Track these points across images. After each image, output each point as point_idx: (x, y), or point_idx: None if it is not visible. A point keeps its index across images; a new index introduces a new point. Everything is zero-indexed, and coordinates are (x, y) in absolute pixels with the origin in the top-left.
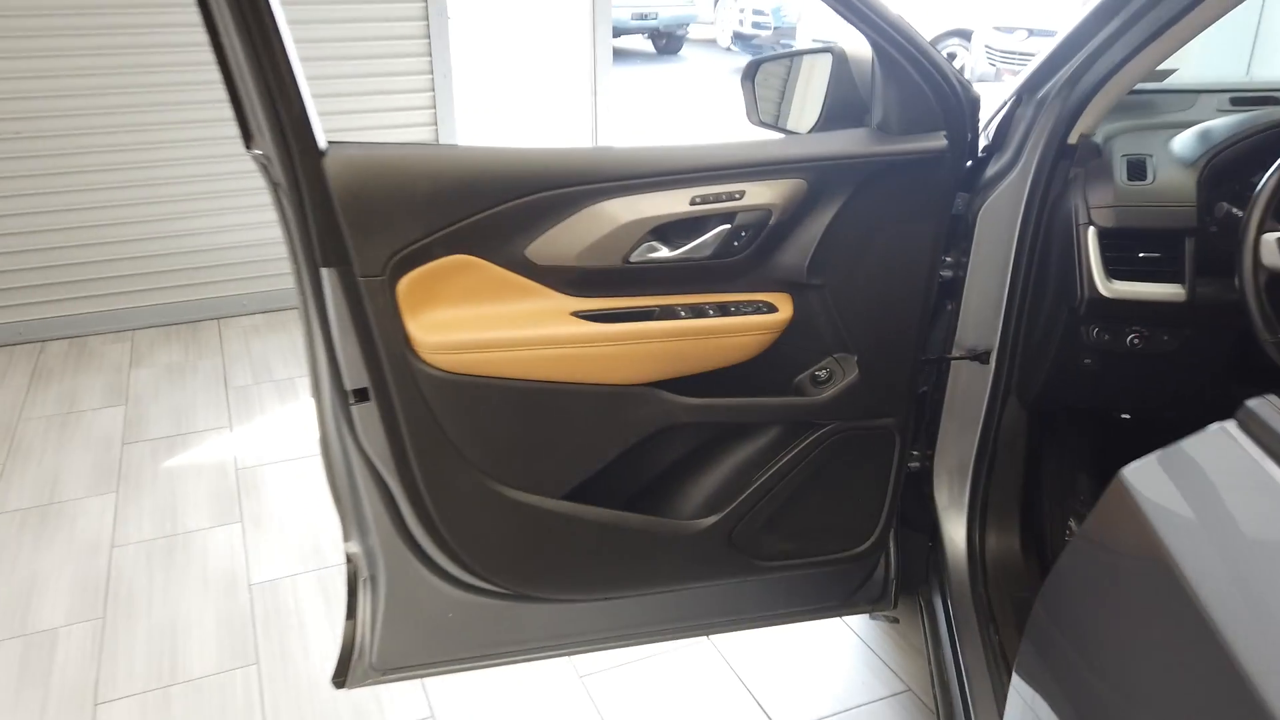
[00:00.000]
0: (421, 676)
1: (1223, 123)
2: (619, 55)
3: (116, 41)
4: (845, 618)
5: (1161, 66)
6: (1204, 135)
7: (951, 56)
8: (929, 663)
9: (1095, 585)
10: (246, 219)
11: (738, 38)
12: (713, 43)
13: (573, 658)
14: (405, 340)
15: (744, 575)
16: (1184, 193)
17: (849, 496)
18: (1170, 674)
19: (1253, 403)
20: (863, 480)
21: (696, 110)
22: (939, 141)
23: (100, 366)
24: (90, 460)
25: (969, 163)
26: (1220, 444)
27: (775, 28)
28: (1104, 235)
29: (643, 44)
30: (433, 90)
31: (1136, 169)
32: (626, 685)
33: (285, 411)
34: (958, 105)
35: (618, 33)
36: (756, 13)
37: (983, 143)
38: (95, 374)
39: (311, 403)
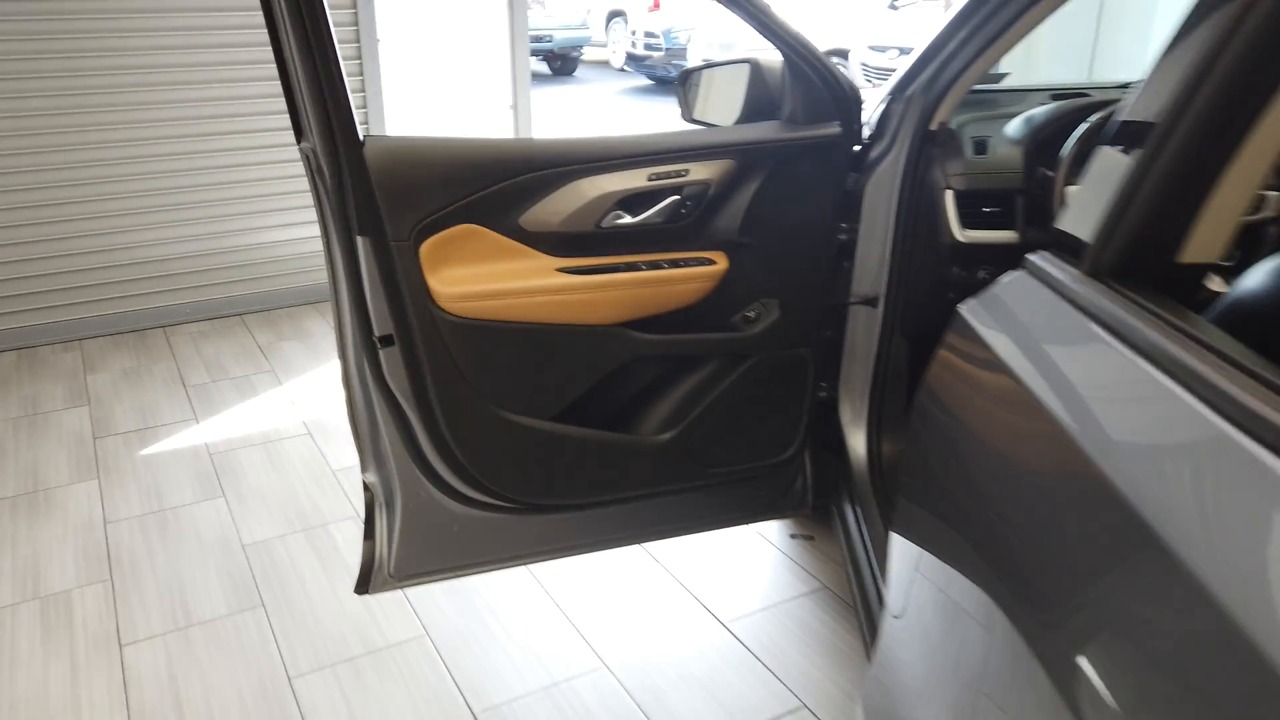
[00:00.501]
0: (432, 581)
1: (1042, 110)
2: None
3: (48, 65)
4: (767, 537)
5: (998, 71)
6: (1028, 120)
7: None
8: (845, 557)
9: (949, 395)
10: (192, 230)
11: (631, 59)
12: (606, 64)
13: (545, 580)
14: (427, 292)
15: (696, 480)
16: (1014, 162)
17: (775, 413)
18: (1017, 455)
19: (1031, 256)
20: (785, 399)
21: (596, 127)
22: (834, 129)
23: (55, 374)
24: (66, 454)
25: (857, 148)
26: (1017, 283)
27: (666, 49)
28: (958, 196)
29: (538, 66)
30: (365, 108)
31: (980, 146)
32: (592, 598)
33: (247, 404)
34: (846, 101)
35: None
36: (648, 35)
37: (866, 132)
38: (52, 380)
39: (271, 392)
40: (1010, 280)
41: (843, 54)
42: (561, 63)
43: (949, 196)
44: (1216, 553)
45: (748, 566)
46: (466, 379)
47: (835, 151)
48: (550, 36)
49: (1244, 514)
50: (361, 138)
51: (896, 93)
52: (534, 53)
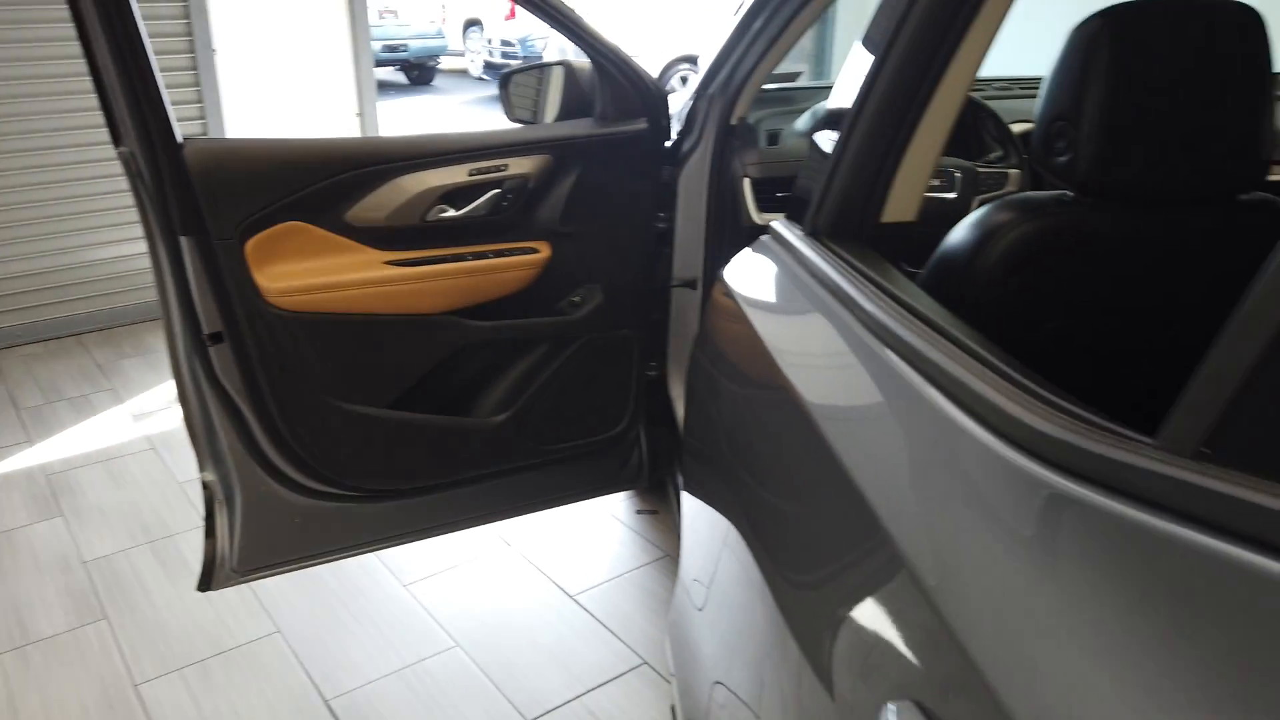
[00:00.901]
0: (277, 574)
1: (826, 104)
2: None
3: None
4: (616, 515)
5: (789, 71)
6: (814, 113)
7: (684, 79)
8: (679, 524)
9: (711, 349)
10: (20, 249)
11: (489, 67)
12: (464, 73)
13: (394, 566)
14: (254, 289)
15: (533, 459)
16: (802, 152)
17: (605, 390)
18: (751, 398)
19: (774, 222)
20: (614, 377)
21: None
22: (641, 125)
23: None
24: None
25: (668, 143)
26: (761, 245)
27: (523, 56)
28: (755, 183)
29: (395, 76)
30: (204, 119)
31: (773, 138)
32: (442, 581)
33: (86, 424)
34: (652, 100)
35: None
36: (505, 43)
37: (677, 128)
38: None
39: (112, 410)
40: (759, 242)
41: (691, 60)
42: (419, 72)
43: (747, 184)
44: (888, 489)
45: (596, 542)
46: (299, 371)
47: (646, 146)
48: (405, 46)
49: (905, 436)
50: (180, 139)
51: (700, 92)
52: (390, 62)
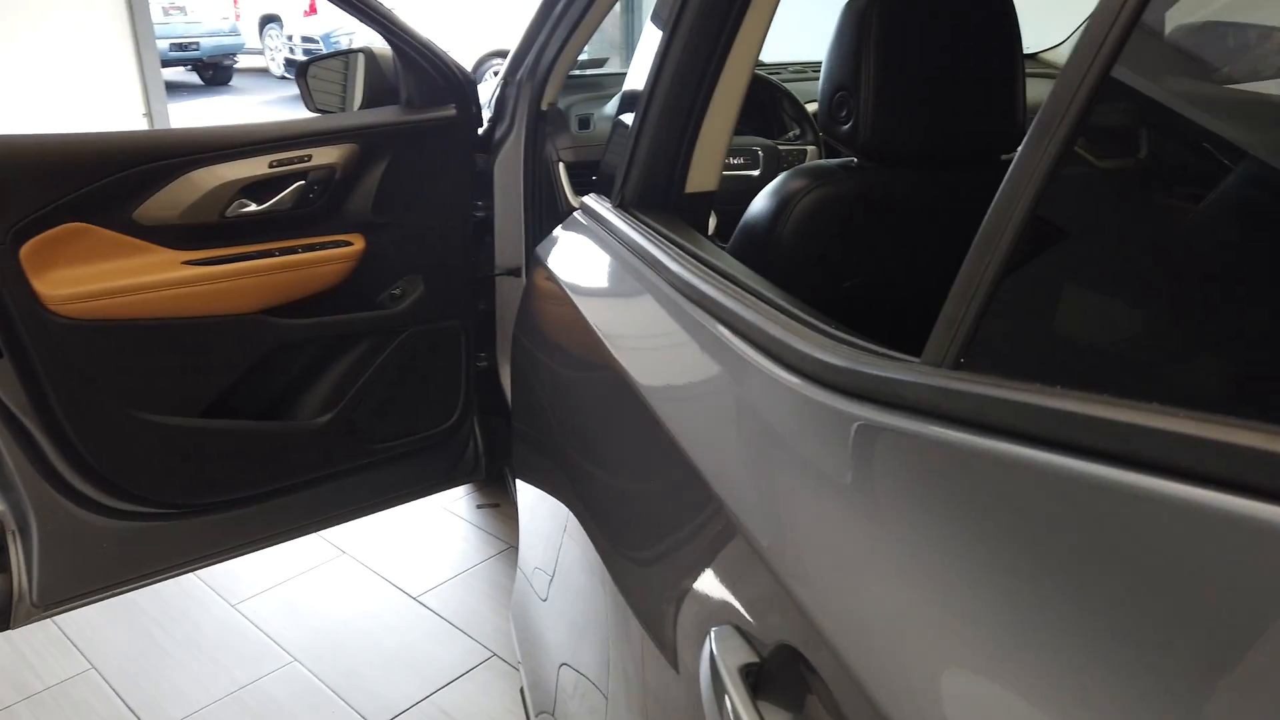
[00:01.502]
0: (85, 604)
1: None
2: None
3: None
4: (456, 511)
5: (596, 57)
6: (620, 96)
7: (496, 73)
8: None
9: (530, 325)
10: None
11: (291, 65)
12: (265, 71)
13: (219, 585)
14: (34, 297)
15: (362, 459)
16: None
17: (435, 383)
18: (571, 366)
19: (585, 197)
20: (443, 370)
21: None
22: (450, 112)
23: None
24: None
25: (480, 130)
26: (574, 219)
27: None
28: (569, 167)
29: (189, 76)
30: None
31: (584, 123)
32: (274, 595)
33: None
34: (459, 85)
35: None
36: (307, 40)
37: (490, 115)
38: None
39: None
40: (571, 219)
41: (504, 55)
42: (214, 71)
43: (561, 168)
44: (709, 444)
45: (437, 541)
46: (94, 383)
47: (457, 133)
48: (197, 44)
49: (715, 384)
50: None
51: (509, 78)
52: (180, 61)
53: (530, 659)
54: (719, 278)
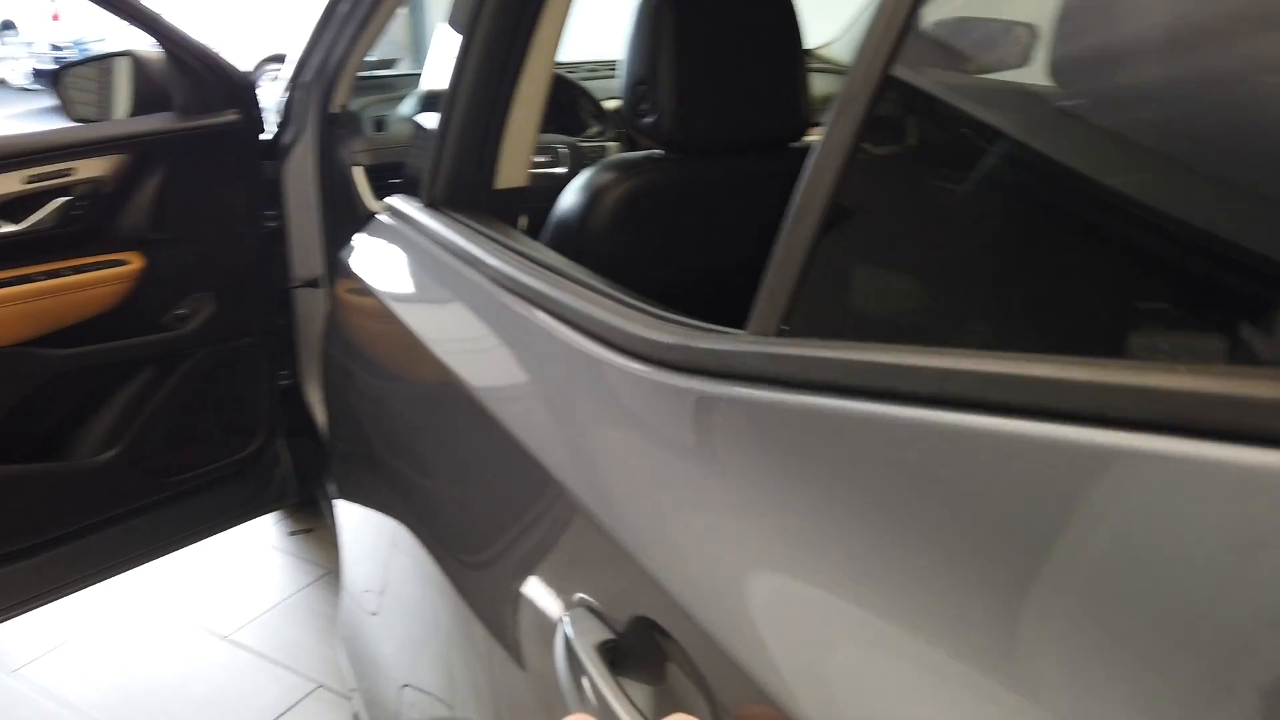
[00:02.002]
0: None
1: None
2: None
3: None
4: (266, 541)
5: (386, 58)
6: (416, 97)
7: (275, 77)
8: (338, 535)
9: (343, 337)
10: None
11: (40, 75)
12: (3, 84)
13: None
14: None
15: (157, 494)
16: (410, 136)
17: (234, 406)
18: (395, 373)
19: (390, 198)
20: (242, 391)
21: None
22: (231, 117)
23: None
24: None
25: (265, 136)
26: (381, 222)
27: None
28: (367, 171)
29: None
30: None
31: (379, 125)
32: (66, 660)
33: None
34: (239, 90)
35: None
36: (55, 48)
37: (277, 120)
38: None
39: None
40: (376, 221)
41: (282, 60)
42: None
43: (358, 172)
44: (546, 434)
45: (247, 575)
46: None
47: (240, 140)
48: None
49: (549, 375)
50: None
51: (294, 81)
52: None
53: (366, 681)
54: (543, 269)
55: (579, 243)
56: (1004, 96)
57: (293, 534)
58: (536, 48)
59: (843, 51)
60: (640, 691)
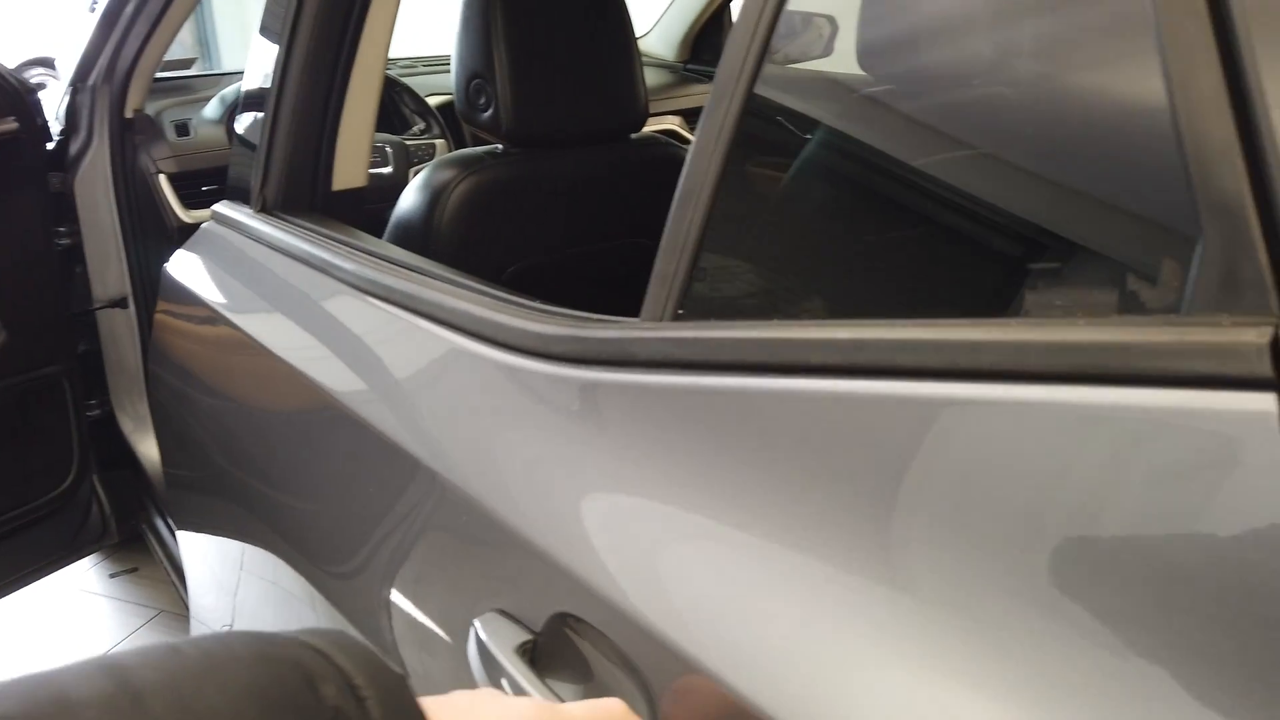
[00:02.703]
0: None
1: (232, 89)
2: None
3: None
4: (86, 588)
5: (186, 57)
6: (222, 99)
7: (41, 85)
8: (168, 572)
9: (174, 356)
10: None
11: None
12: None
13: None
14: None
15: None
16: (219, 141)
17: (38, 443)
18: (241, 386)
19: (217, 206)
20: (46, 426)
21: None
22: (12, 125)
23: None
24: None
25: (50, 145)
26: (208, 233)
27: None
28: (172, 179)
29: None
30: None
31: (182, 129)
32: None
33: None
34: (16, 94)
35: None
36: None
37: (58, 128)
38: None
39: None
40: (202, 231)
41: (48, 63)
42: None
43: (162, 180)
44: (427, 434)
45: (68, 625)
46: None
47: (21, 150)
48: None
49: (431, 378)
50: None
51: (77, 84)
52: None
53: None
54: (409, 271)
55: (424, 243)
56: (815, 85)
57: (115, 576)
58: (367, 40)
59: (655, 44)
60: (568, 687)
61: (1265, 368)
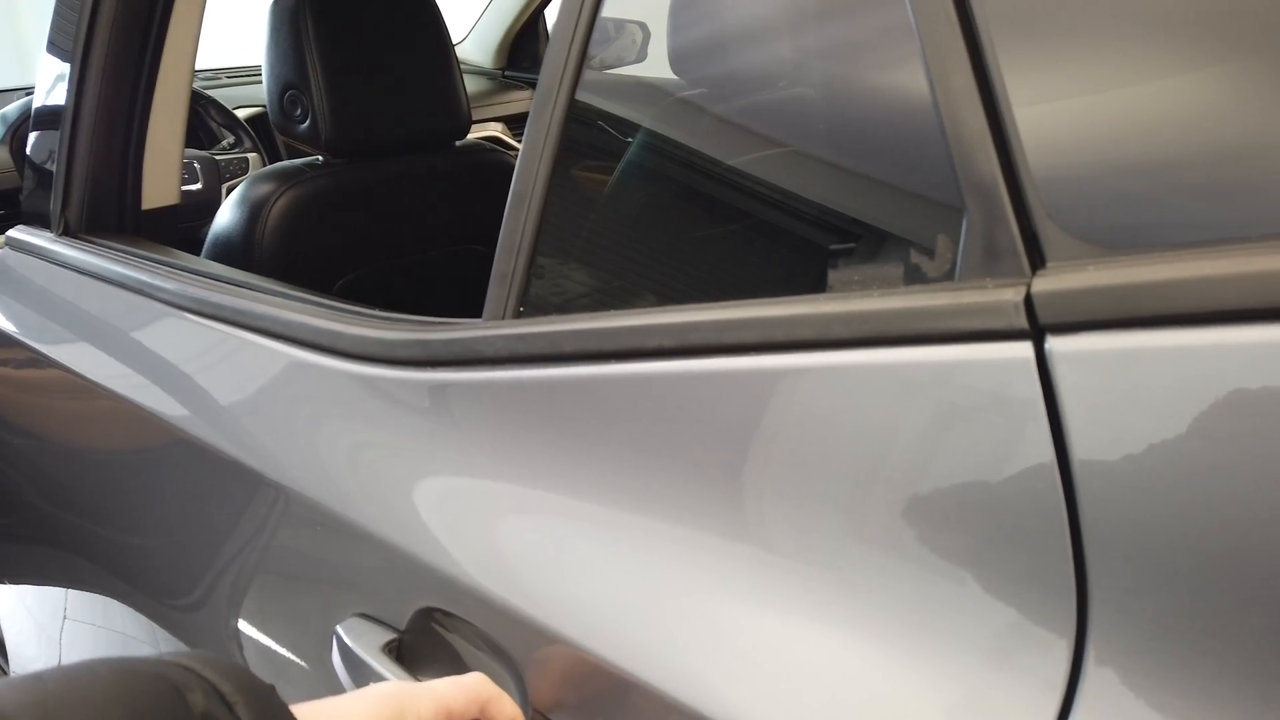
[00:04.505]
0: None
1: (14, 107)
2: None
3: None
4: None
5: None
6: (3, 119)
7: None
8: None
9: None
10: None
11: None
12: None
13: None
14: None
15: None
16: (5, 163)
17: None
18: (60, 421)
19: (11, 232)
20: None
21: None
22: None
23: None
24: None
25: None
26: (3, 258)
27: None
28: None
29: None
30: None
31: None
32: None
33: None
34: None
35: None
36: None
37: None
38: None
39: None
40: None
41: None
42: None
43: None
44: (276, 455)
45: None
46: None
47: None
48: None
49: (276, 394)
50: None
51: None
52: None
53: None
54: (238, 287)
55: (246, 260)
56: (632, 90)
57: None
58: (171, 50)
59: (471, 51)
60: (438, 677)
61: (1022, 321)
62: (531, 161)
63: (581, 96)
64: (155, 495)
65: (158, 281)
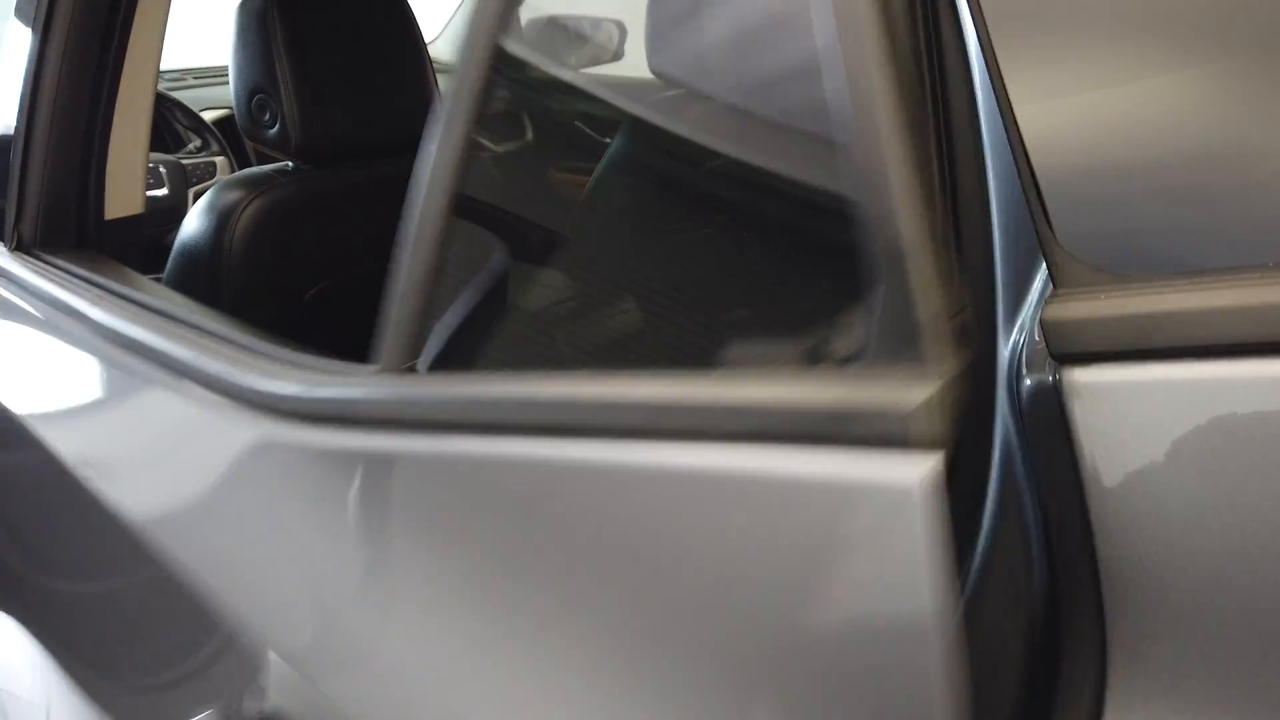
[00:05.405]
0: None
1: None
2: None
3: None
4: None
5: None
6: None
7: None
8: None
9: None
10: None
11: None
12: None
13: None
14: None
15: None
16: None
17: None
18: None
19: None
20: None
21: None
22: None
23: None
24: None
25: None
26: None
27: None
28: None
29: None
30: None
31: None
32: None
33: None
34: None
35: None
36: None
37: None
38: None
39: None
40: None
41: None
42: None
43: None
44: (168, 508)
45: None
46: None
47: None
48: None
49: (164, 442)
50: None
51: None
52: None
53: None
54: (153, 316)
55: (212, 270)
56: (611, 87)
57: None
58: (135, 46)
59: (445, 50)
60: None
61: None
62: (432, 186)
63: (492, 108)
64: (51, 538)
65: (88, 308)
